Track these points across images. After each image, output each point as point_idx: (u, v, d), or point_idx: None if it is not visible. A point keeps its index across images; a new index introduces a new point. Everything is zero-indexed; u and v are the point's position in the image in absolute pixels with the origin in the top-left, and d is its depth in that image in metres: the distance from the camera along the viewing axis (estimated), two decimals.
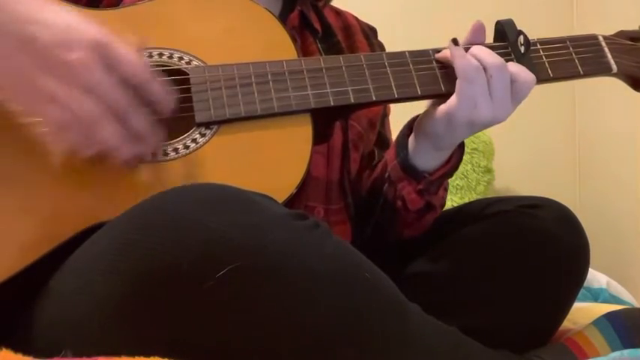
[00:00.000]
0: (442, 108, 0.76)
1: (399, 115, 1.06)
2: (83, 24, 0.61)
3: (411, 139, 0.83)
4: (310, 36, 0.90)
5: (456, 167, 0.84)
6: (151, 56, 0.71)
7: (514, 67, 0.76)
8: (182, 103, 0.70)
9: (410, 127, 0.84)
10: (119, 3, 0.79)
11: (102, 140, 0.60)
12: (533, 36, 0.81)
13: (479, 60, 0.74)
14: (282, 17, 0.87)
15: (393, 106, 0.99)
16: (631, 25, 0.89)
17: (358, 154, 0.92)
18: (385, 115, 1.00)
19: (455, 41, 0.77)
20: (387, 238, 0.91)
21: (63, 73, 0.58)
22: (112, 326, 0.54)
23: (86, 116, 0.59)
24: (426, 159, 0.82)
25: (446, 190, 0.89)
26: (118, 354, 0.50)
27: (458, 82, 0.74)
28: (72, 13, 0.61)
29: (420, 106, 0.81)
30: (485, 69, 0.74)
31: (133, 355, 0.50)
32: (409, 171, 0.82)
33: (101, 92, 0.59)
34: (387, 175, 0.85)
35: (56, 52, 0.58)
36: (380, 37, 1.03)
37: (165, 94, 0.64)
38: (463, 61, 0.74)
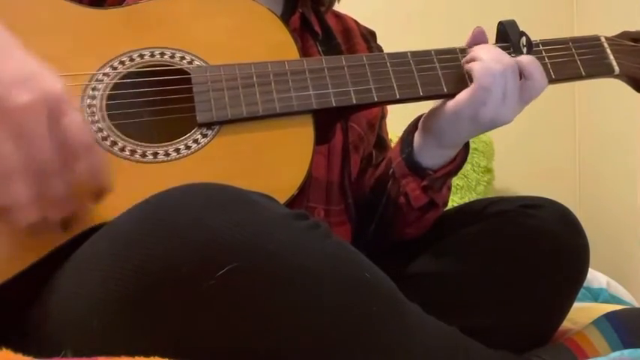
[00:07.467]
0: (450, 104, 0.77)
1: (401, 116, 1.06)
2: (45, 73, 0.57)
3: (416, 136, 0.84)
4: (311, 38, 0.91)
5: (460, 166, 0.85)
6: (152, 56, 0.72)
7: (531, 66, 0.76)
8: (184, 104, 0.70)
9: (415, 125, 0.85)
10: (122, 2, 0.79)
11: (10, 195, 0.54)
12: (533, 36, 0.81)
13: (492, 68, 0.75)
14: (284, 19, 0.87)
15: (393, 106, 1.00)
16: (632, 25, 0.89)
17: (358, 155, 0.93)
18: (383, 116, 1.01)
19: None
20: (389, 237, 0.91)
21: (3, 115, 0.54)
22: (112, 326, 0.54)
23: (4, 165, 0.53)
24: (430, 156, 0.83)
25: (449, 189, 0.89)
26: (118, 354, 0.50)
27: (474, 85, 0.75)
28: (36, 62, 0.58)
29: (422, 107, 0.81)
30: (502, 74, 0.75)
31: (132, 355, 0.50)
32: (414, 167, 0.83)
33: (31, 143, 0.54)
34: (391, 171, 0.86)
35: (8, 91, 0.54)
36: (379, 41, 1.03)
37: (102, 167, 0.59)
38: (482, 68, 0.75)
